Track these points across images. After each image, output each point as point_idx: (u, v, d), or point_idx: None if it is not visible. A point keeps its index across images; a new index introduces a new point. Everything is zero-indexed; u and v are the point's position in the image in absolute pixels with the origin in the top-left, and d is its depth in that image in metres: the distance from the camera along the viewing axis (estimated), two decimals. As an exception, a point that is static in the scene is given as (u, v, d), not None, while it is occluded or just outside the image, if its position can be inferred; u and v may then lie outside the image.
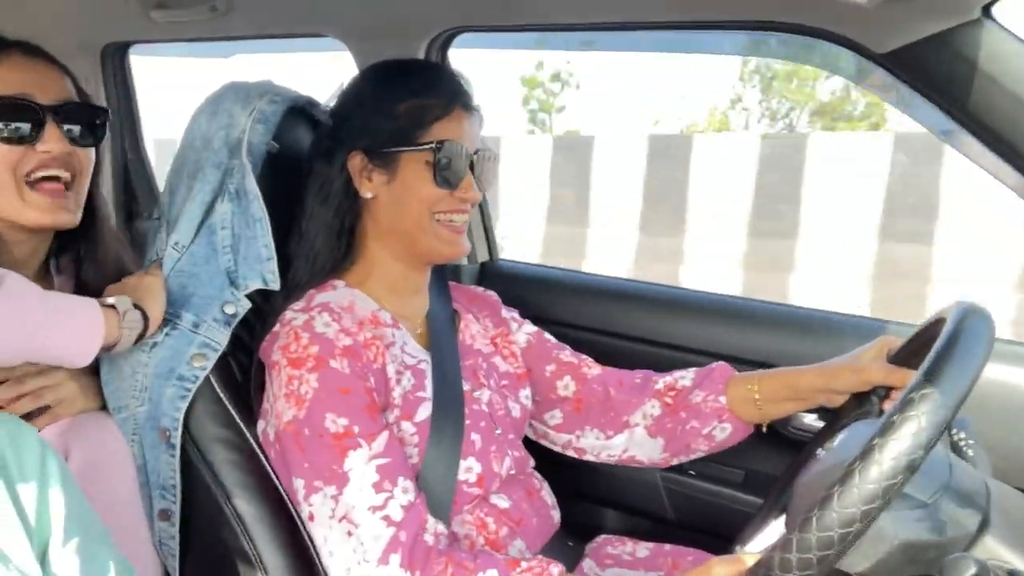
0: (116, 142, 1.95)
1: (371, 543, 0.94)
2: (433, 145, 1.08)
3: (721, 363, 1.27)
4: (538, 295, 1.63)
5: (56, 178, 1.07)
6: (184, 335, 1.10)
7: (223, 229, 1.14)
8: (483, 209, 1.76)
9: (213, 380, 1.11)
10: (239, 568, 1.07)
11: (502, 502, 1.13)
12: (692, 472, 1.45)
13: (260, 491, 1.08)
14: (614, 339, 1.56)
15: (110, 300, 1.02)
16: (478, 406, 1.14)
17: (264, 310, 1.14)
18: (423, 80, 1.15)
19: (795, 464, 1.09)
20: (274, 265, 1.12)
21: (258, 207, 1.12)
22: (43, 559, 0.69)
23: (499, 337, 1.30)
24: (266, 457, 1.09)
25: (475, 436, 1.11)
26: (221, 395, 1.11)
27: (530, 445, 1.30)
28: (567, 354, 1.32)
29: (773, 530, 0.88)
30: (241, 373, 1.15)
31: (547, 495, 1.24)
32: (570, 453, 1.32)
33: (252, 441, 1.10)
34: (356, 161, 1.11)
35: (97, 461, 1.07)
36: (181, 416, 1.08)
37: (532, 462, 1.26)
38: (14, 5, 1.54)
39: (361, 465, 0.96)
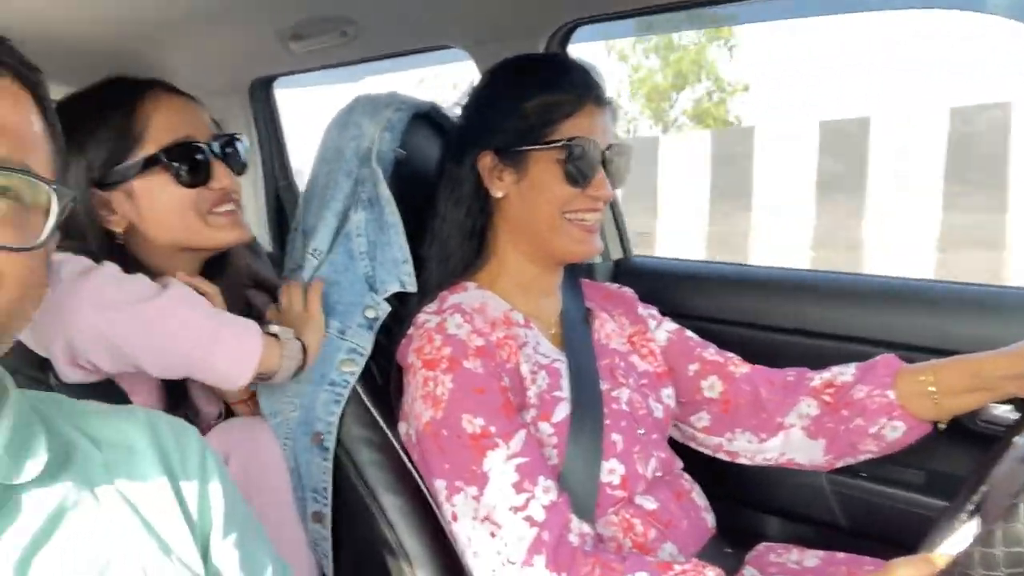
0: (267, 169, 2.10)
1: (515, 544, 0.92)
2: (563, 143, 1.05)
3: (887, 355, 1.14)
4: (676, 290, 1.55)
5: (229, 210, 1.13)
6: (332, 341, 1.14)
7: (359, 236, 1.17)
8: (614, 205, 1.71)
9: (357, 384, 1.13)
10: (388, 564, 1.09)
11: (649, 503, 1.07)
12: (864, 474, 1.31)
13: (404, 490, 1.09)
14: (762, 332, 1.45)
15: (274, 329, 1.05)
16: (617, 405, 1.09)
17: (401, 313, 1.15)
18: (551, 76, 1.12)
19: (989, 459, 0.95)
20: (410, 268, 1.14)
21: (390, 212, 1.14)
22: (204, 553, 0.72)
23: (636, 335, 1.25)
24: (409, 457, 1.10)
25: (616, 436, 1.06)
26: (364, 398, 1.14)
27: (680, 447, 1.23)
28: (711, 352, 1.24)
29: (965, 534, 0.76)
30: (381, 376, 1.18)
31: (698, 497, 1.16)
32: (722, 456, 1.23)
33: (394, 441, 1.11)
34: (486, 161, 1.11)
35: (255, 466, 1.12)
36: (335, 420, 1.12)
37: (680, 463, 1.19)
38: (173, 51, 1.69)
39: (500, 465, 0.95)
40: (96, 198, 1.07)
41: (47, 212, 0.58)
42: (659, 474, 1.11)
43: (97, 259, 1.03)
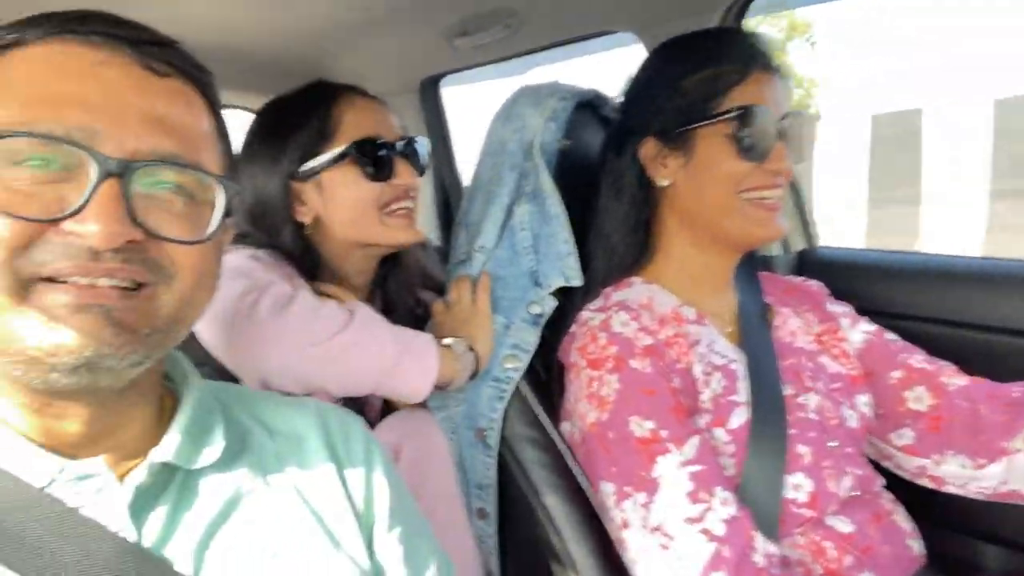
0: (435, 165, 2.15)
1: (690, 559, 0.85)
2: (732, 113, 0.96)
3: None
4: (872, 285, 1.37)
5: (407, 208, 1.17)
6: (496, 337, 1.12)
7: (523, 230, 1.14)
8: (796, 189, 1.55)
9: (520, 380, 1.11)
10: (551, 567, 1.05)
11: (843, 526, 0.95)
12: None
13: (569, 491, 1.05)
14: (981, 335, 1.24)
15: (447, 341, 1.07)
16: (804, 413, 0.98)
17: (566, 308, 1.12)
18: (711, 48, 1.03)
19: None
20: (574, 261, 1.09)
21: (554, 204, 1.11)
22: (368, 545, 0.72)
23: (826, 334, 1.12)
24: (574, 457, 1.06)
25: (803, 448, 0.95)
26: (527, 395, 1.11)
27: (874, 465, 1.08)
28: (919, 359, 1.08)
29: None
30: (545, 372, 1.15)
31: (902, 521, 1.02)
32: (924, 482, 1.07)
33: (558, 441, 1.08)
34: (648, 148, 1.04)
35: (425, 457, 1.13)
36: (498, 416, 1.11)
37: (881, 480, 1.05)
38: (346, 56, 1.76)
39: (672, 471, 0.88)
40: (290, 190, 1.14)
41: (215, 206, 0.60)
42: (855, 493, 0.98)
43: (289, 252, 1.12)
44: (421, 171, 1.21)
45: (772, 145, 0.97)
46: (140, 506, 0.59)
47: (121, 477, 0.59)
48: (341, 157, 1.12)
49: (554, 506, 1.06)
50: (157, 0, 1.25)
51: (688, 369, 0.96)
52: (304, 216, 1.16)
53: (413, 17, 1.65)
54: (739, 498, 0.90)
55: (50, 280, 0.53)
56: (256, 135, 1.19)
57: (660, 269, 1.08)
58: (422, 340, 1.05)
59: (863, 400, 1.06)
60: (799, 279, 1.22)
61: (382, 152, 1.14)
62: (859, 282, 1.37)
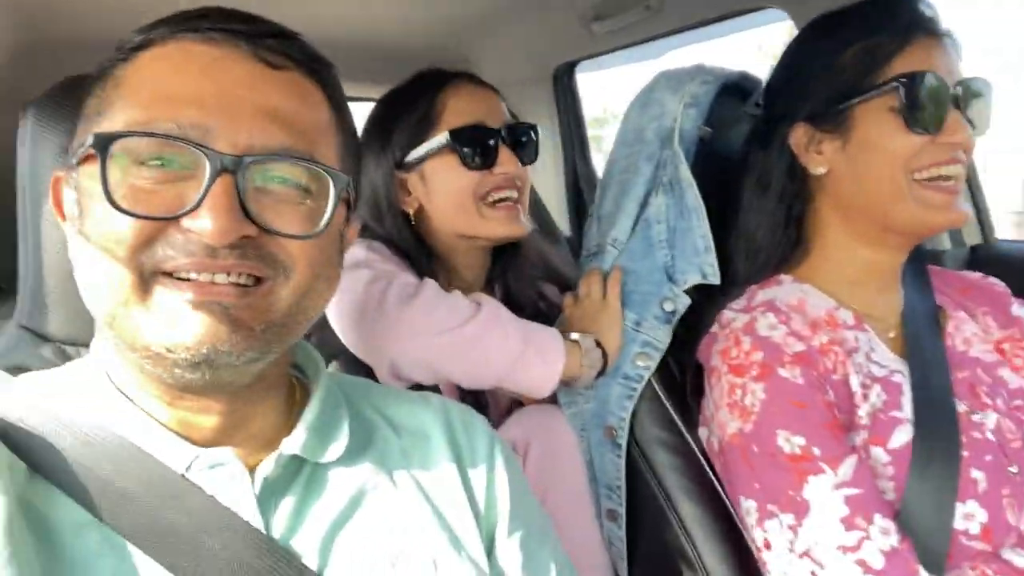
0: (567, 154, 2.12)
1: None
2: (895, 81, 0.86)
3: None
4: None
5: (508, 198, 1.14)
6: (627, 333, 1.08)
7: (658, 223, 1.09)
8: (969, 174, 1.38)
9: (654, 380, 1.07)
10: (683, 574, 1.01)
11: (1022, 560, 0.83)
12: None
13: (705, 500, 1.00)
14: None
15: (575, 336, 1.04)
16: (980, 433, 0.87)
17: (703, 306, 1.05)
18: (867, 18, 0.92)
19: None
20: (712, 258, 1.03)
21: (692, 196, 1.04)
22: (489, 548, 0.71)
23: (1007, 341, 0.99)
24: (709, 464, 1.00)
25: (977, 473, 0.84)
26: (661, 395, 1.06)
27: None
28: None
29: None
30: (680, 373, 1.09)
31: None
32: None
33: (694, 445, 1.02)
34: (799, 134, 0.95)
35: (553, 452, 1.12)
36: (627, 415, 1.07)
37: (1069, 512, 0.91)
38: (479, 46, 1.77)
39: (825, 494, 0.80)
40: (396, 180, 1.15)
41: (328, 196, 0.60)
42: (1039, 525, 0.86)
43: (398, 244, 1.12)
44: (528, 160, 1.17)
45: (945, 115, 0.85)
46: (268, 497, 0.61)
47: (250, 468, 0.61)
48: (440, 145, 1.11)
49: (687, 512, 1.01)
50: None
51: (844, 381, 0.88)
52: (409, 206, 1.16)
53: (550, 2, 1.63)
54: (901, 526, 0.81)
55: (171, 276, 0.55)
56: (369, 125, 1.21)
57: (814, 268, 0.99)
58: (548, 334, 1.03)
59: None
60: (978, 275, 1.09)
61: (482, 139, 1.11)
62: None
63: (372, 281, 0.99)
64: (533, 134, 1.18)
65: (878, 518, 0.79)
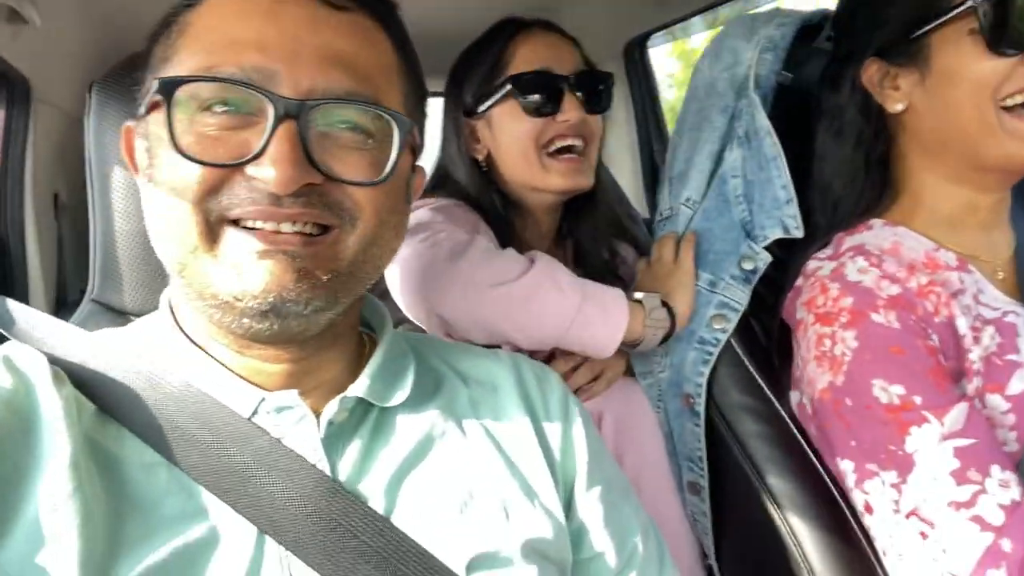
0: (642, 132, 2.06)
1: (958, 551, 0.70)
2: (972, 3, 0.77)
3: None
4: None
5: (571, 148, 1.11)
6: (702, 295, 1.02)
7: (734, 178, 1.03)
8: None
9: (735, 343, 1.00)
10: (774, 549, 0.93)
11: None
12: None
13: (795, 469, 0.93)
14: None
15: (638, 296, 1.00)
16: None
17: (786, 262, 0.98)
18: None
19: None
20: (795, 208, 0.96)
21: (771, 144, 0.98)
22: (568, 502, 0.68)
23: None
24: (801, 432, 0.93)
25: None
26: (744, 359, 1.00)
27: None
28: None
29: None
30: (765, 335, 1.02)
31: None
32: None
33: (783, 412, 0.95)
34: (871, 71, 0.88)
35: (627, 423, 1.07)
36: (704, 381, 1.01)
37: None
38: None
39: (931, 446, 0.73)
40: (466, 126, 1.15)
41: (393, 141, 0.58)
42: None
43: (469, 195, 1.12)
44: (598, 109, 1.13)
45: None
46: (334, 441, 0.60)
47: (317, 413, 0.60)
48: (505, 91, 1.10)
49: (777, 484, 0.94)
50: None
51: (950, 323, 0.79)
52: (478, 153, 1.16)
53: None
54: (1022, 479, 0.72)
55: (237, 224, 0.54)
56: (448, 78, 1.21)
57: (906, 211, 0.90)
58: (608, 291, 0.98)
59: None
60: None
61: (545, 85, 1.08)
62: None
63: (424, 240, 0.98)
64: (606, 83, 1.14)
65: (995, 470, 0.70)
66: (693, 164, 1.08)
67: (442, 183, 1.17)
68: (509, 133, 1.11)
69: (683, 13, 1.75)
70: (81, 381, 0.57)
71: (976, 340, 0.79)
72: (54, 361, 0.57)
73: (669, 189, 1.13)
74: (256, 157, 0.53)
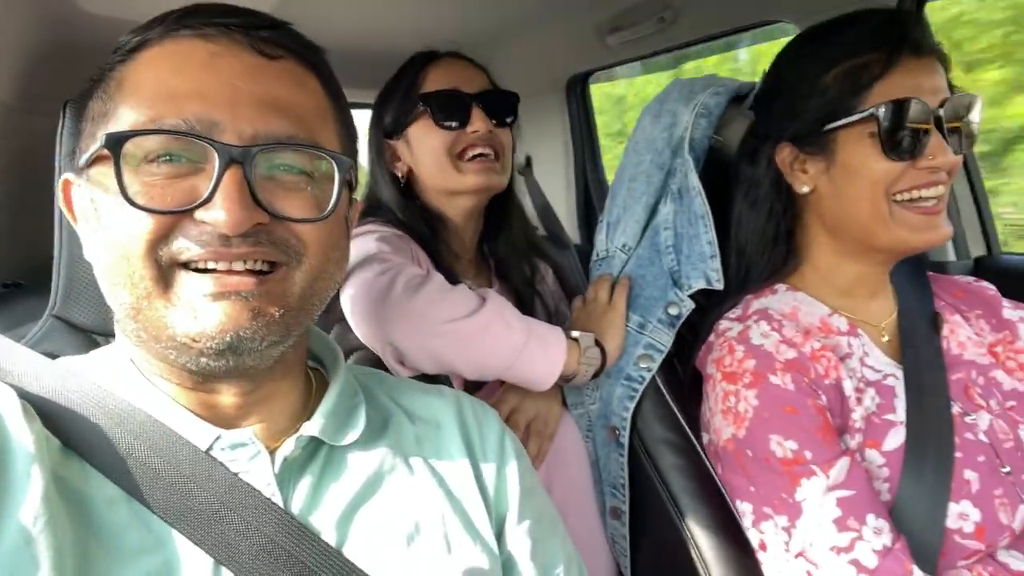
0: (578, 163, 2.15)
1: None
2: (876, 111, 0.87)
3: None
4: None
5: (483, 155, 1.23)
6: (631, 336, 1.11)
7: (666, 230, 1.12)
8: (974, 184, 1.40)
9: (659, 381, 1.10)
10: (685, 570, 1.02)
11: (1017, 562, 0.85)
12: None
13: (709, 500, 1.02)
14: None
15: (575, 334, 1.07)
16: (972, 434, 0.89)
17: (707, 310, 1.08)
18: (852, 36, 0.93)
19: None
20: (717, 263, 1.06)
21: (700, 203, 1.08)
22: (500, 535, 0.73)
23: (1000, 344, 1.01)
24: (712, 467, 1.03)
25: (970, 474, 0.86)
26: (667, 396, 1.09)
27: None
28: None
29: None
30: (685, 375, 1.12)
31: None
32: None
33: (698, 446, 1.05)
34: (784, 154, 0.97)
35: (559, 451, 1.15)
36: (629, 416, 1.10)
37: (1063, 514, 0.94)
38: (497, 55, 1.80)
39: (817, 496, 0.82)
40: (387, 147, 1.27)
41: (333, 180, 0.62)
42: (1033, 526, 0.88)
43: (401, 222, 1.21)
44: (503, 124, 1.25)
45: (926, 140, 0.87)
46: (286, 477, 0.63)
47: (270, 450, 0.63)
48: (418, 109, 1.22)
49: (690, 512, 1.03)
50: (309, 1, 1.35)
51: (837, 385, 0.90)
52: (399, 171, 1.27)
53: (568, 14, 1.66)
54: (895, 526, 0.83)
55: (188, 267, 0.57)
56: (373, 108, 1.32)
57: (807, 279, 1.02)
58: (550, 329, 1.06)
59: None
60: (969, 280, 1.10)
61: (454, 101, 1.21)
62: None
63: (382, 272, 1.03)
64: (510, 100, 1.28)
65: (871, 518, 0.81)
66: (631, 213, 1.17)
67: (374, 210, 1.25)
68: (425, 146, 1.22)
69: (625, 57, 1.86)
70: (48, 416, 0.58)
71: (859, 401, 0.90)
72: (23, 395, 0.58)
73: (606, 232, 1.22)
74: (205, 202, 0.56)
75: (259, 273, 0.58)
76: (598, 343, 1.08)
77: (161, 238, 0.56)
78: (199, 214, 0.56)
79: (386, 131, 1.27)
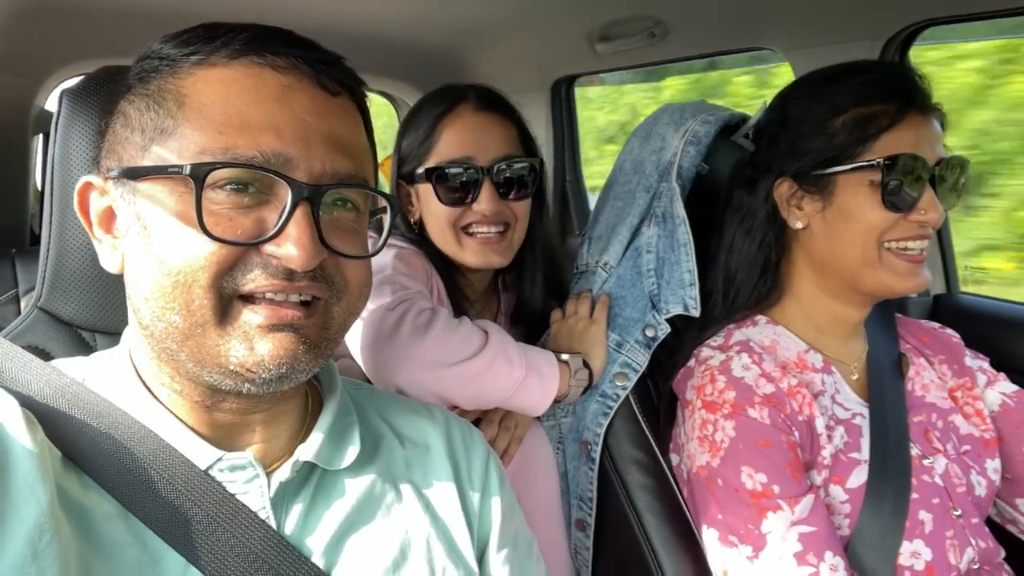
0: (557, 163, 2.16)
1: None
2: (880, 162, 0.91)
3: None
4: (1015, 340, 1.29)
5: (487, 232, 1.16)
6: (609, 354, 1.13)
7: (648, 252, 1.14)
8: (941, 228, 1.46)
9: (632, 399, 1.12)
10: None
11: None
12: None
13: (671, 519, 1.05)
14: None
15: (565, 357, 1.09)
16: (929, 477, 0.94)
17: (684, 334, 1.11)
18: (866, 84, 0.96)
19: None
20: (695, 292, 1.08)
21: (684, 232, 1.10)
22: (481, 558, 0.75)
23: (960, 390, 1.06)
24: (679, 487, 1.06)
25: (924, 515, 0.91)
26: (638, 415, 1.12)
27: (994, 529, 1.03)
28: None
29: None
30: (657, 396, 1.15)
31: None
32: None
33: (665, 468, 1.08)
34: (783, 188, 1.00)
35: (529, 462, 1.17)
36: (602, 432, 1.12)
37: (1002, 553, 1.00)
38: (487, 52, 1.79)
39: (781, 530, 0.86)
40: (403, 190, 1.23)
41: (383, 220, 0.64)
42: (976, 566, 0.94)
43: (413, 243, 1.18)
44: (516, 197, 1.17)
45: (922, 194, 0.91)
46: (280, 500, 0.64)
47: (267, 471, 0.64)
48: (428, 175, 1.16)
49: (654, 530, 1.06)
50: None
51: (810, 422, 0.94)
52: (411, 216, 1.23)
53: (558, 19, 1.66)
54: (850, 561, 0.87)
55: (245, 298, 0.57)
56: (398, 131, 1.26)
57: (787, 311, 1.05)
58: (545, 359, 1.07)
59: (993, 466, 1.00)
60: (935, 325, 1.16)
61: (461, 177, 1.14)
62: (999, 335, 1.28)
63: (391, 308, 1.02)
64: (530, 171, 1.18)
65: (828, 555, 0.85)
66: (614, 232, 1.18)
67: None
68: (430, 211, 1.18)
69: (611, 65, 1.87)
70: (49, 426, 0.58)
71: (830, 439, 0.94)
72: (25, 403, 0.58)
73: (588, 247, 1.24)
74: (275, 236, 0.57)
75: (306, 304, 0.60)
76: (586, 363, 1.10)
77: (226, 269, 0.56)
78: (268, 248, 0.57)
79: (401, 173, 1.21)
